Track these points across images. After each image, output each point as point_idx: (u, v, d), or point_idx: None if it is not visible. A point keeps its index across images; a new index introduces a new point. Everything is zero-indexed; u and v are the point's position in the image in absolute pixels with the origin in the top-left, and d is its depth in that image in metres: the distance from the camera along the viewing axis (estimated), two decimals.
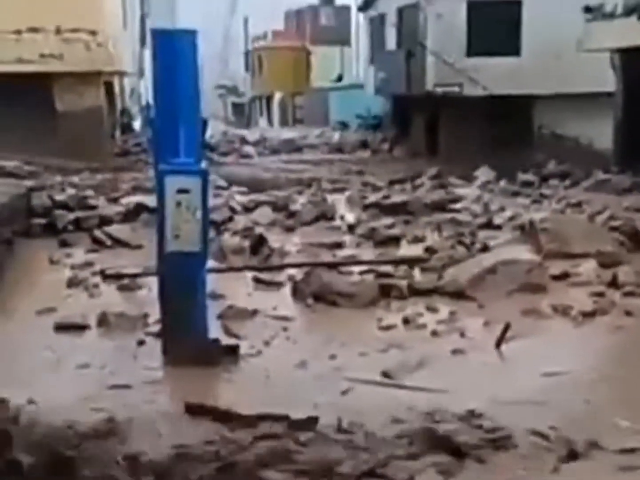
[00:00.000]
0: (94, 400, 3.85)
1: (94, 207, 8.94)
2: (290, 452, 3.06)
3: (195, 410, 3.62)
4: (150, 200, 7.43)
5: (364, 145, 19.01)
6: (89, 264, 6.99)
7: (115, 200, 9.39)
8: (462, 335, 4.96)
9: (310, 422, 3.43)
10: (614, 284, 5.82)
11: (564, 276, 6.03)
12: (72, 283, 6.38)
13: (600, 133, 12.22)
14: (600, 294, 5.64)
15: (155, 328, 5.11)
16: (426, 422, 3.44)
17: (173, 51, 4.62)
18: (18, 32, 16.06)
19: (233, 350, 4.77)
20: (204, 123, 5.46)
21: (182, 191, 4.54)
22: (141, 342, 5.08)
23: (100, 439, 3.15)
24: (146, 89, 21.61)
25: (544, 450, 3.23)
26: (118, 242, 7.80)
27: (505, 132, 13.97)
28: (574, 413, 3.68)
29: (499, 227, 7.45)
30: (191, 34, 4.73)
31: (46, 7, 15.60)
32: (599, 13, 11.84)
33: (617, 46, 11.32)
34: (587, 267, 6.15)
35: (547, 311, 5.37)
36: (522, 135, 13.78)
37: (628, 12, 11.02)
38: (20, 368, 4.43)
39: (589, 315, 5.25)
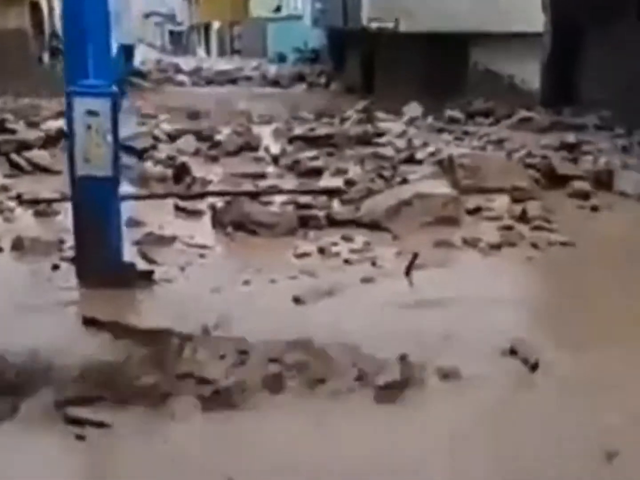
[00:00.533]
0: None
1: (13, 131, 8.70)
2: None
3: (90, 323, 3.73)
4: None
5: (300, 78, 18.83)
6: (5, 188, 6.86)
7: (36, 125, 9.14)
8: (374, 264, 5.10)
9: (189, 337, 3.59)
10: (523, 218, 6.03)
11: (477, 210, 6.21)
12: None
13: (529, 73, 12.40)
14: (510, 228, 5.85)
15: (70, 253, 5.10)
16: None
17: None
18: None
19: (148, 275, 4.81)
20: (130, 48, 5.35)
21: (91, 113, 4.48)
22: (56, 267, 5.06)
23: None
24: None
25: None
26: (37, 167, 7.65)
27: (440, 69, 14.03)
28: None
29: (420, 162, 7.57)
30: None
31: None
32: None
33: None
34: (500, 202, 6.35)
35: (458, 243, 5.55)
36: (456, 73, 13.86)
37: None
38: None
39: (496, 247, 5.45)
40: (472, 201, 6.39)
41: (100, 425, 3.01)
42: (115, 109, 4.51)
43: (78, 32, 4.60)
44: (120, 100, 4.68)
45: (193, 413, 3.14)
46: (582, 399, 3.29)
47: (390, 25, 15.17)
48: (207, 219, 6.09)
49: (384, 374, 3.37)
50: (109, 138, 4.52)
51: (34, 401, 3.17)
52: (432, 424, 3.11)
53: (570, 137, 8.46)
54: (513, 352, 3.64)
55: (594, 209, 6.48)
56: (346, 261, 5.16)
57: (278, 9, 31.26)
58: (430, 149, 8.00)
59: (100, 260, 4.72)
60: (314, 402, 3.27)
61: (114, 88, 4.62)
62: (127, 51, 4.67)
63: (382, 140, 8.71)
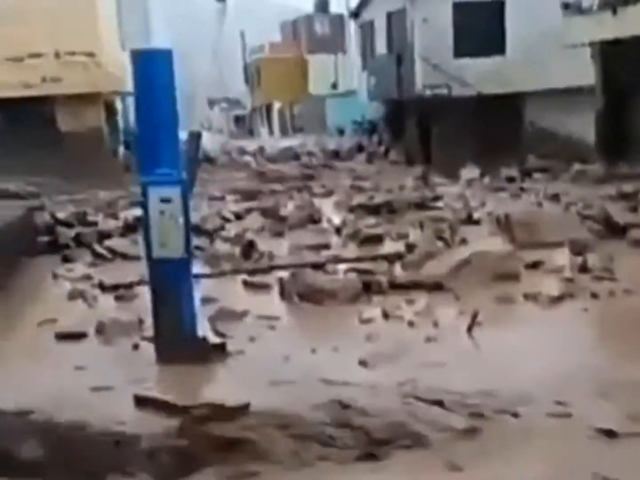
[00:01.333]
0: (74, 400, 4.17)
1: (93, 223, 9.29)
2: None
3: (142, 402, 4.00)
4: None
5: (359, 149, 19.32)
6: (88, 277, 7.32)
7: (114, 216, 9.72)
8: (436, 324, 5.26)
9: (243, 409, 3.77)
10: (583, 269, 6.10)
11: (536, 264, 6.31)
12: (72, 296, 6.70)
13: (585, 126, 12.47)
14: (570, 279, 5.92)
15: (149, 333, 5.42)
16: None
17: (149, 69, 4.95)
18: (20, 59, 16.55)
19: (221, 348, 5.08)
20: (198, 136, 5.79)
21: (164, 200, 4.87)
22: (136, 346, 5.41)
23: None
24: None
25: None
26: (117, 255, 8.12)
27: (495, 129, 14.25)
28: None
29: (478, 222, 7.73)
30: (165, 52, 5.07)
31: (45, 33, 16.06)
32: (576, 8, 12.13)
33: (593, 40, 11.60)
34: (559, 255, 6.43)
35: (519, 298, 5.65)
36: (510, 131, 14.05)
37: (603, 6, 11.30)
38: (22, 372, 4.75)
39: (557, 299, 5.54)
40: (530, 256, 6.50)
41: None
42: (185, 195, 4.89)
43: (150, 125, 5.02)
44: (190, 186, 5.06)
45: None
46: None
47: (444, 91, 15.57)
48: (275, 291, 6.37)
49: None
50: (181, 222, 4.89)
51: None
52: None
53: (628, 187, 8.48)
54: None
55: None
56: (410, 323, 5.33)
57: (335, 85, 32.32)
58: (488, 208, 8.15)
59: (176, 337, 5.03)
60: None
61: (184, 176, 5.02)
62: (196, 138, 5.07)
63: (440, 203, 8.92)
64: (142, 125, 5.17)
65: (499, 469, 3.24)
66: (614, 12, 10.79)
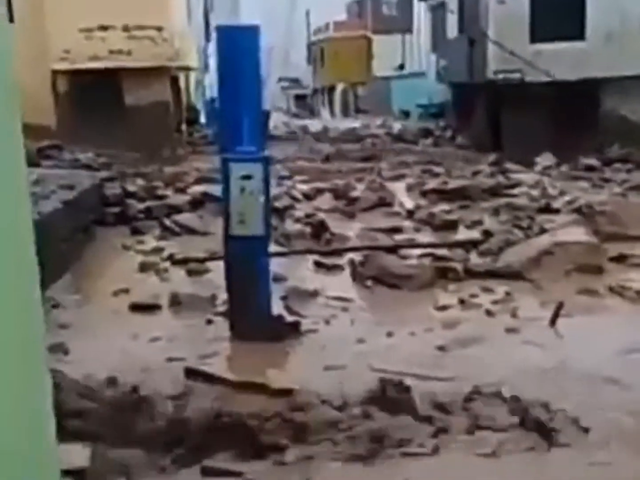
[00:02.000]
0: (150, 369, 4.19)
1: (162, 197, 9.35)
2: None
3: (191, 374, 4.06)
4: (215, 190, 7.75)
5: (426, 134, 19.03)
6: (159, 249, 7.37)
7: (182, 190, 9.78)
8: (517, 314, 5.09)
9: (287, 392, 3.74)
10: None
11: (621, 258, 6.06)
12: (143, 267, 6.75)
13: None
14: None
15: (223, 308, 5.42)
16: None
17: (235, 46, 4.89)
18: (89, 30, 16.77)
19: (295, 327, 5.04)
20: (267, 114, 5.74)
21: (245, 177, 4.83)
22: (209, 321, 5.41)
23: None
24: (210, 84, 22.18)
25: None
26: (186, 230, 8.16)
27: (570, 117, 13.82)
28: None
29: (557, 211, 7.48)
30: (253, 29, 5.00)
31: (114, 7, 16.23)
32: None
33: None
34: None
35: (603, 291, 5.44)
36: (588, 120, 13.60)
37: None
38: (100, 342, 4.79)
39: None
40: (615, 248, 6.25)
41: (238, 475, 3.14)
42: (267, 173, 4.84)
43: (234, 103, 4.98)
44: (270, 164, 5.00)
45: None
46: None
47: (516, 76, 15.15)
48: (346, 273, 6.29)
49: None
50: (262, 199, 4.84)
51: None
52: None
53: None
54: None
55: None
56: (488, 312, 5.18)
57: (401, 66, 31.91)
58: (567, 197, 7.89)
59: (252, 314, 5.01)
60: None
61: (266, 153, 4.96)
62: (265, 116, 5.03)
63: (516, 191, 8.67)
64: (225, 102, 5.14)
65: None
66: None
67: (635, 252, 6.18)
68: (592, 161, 10.54)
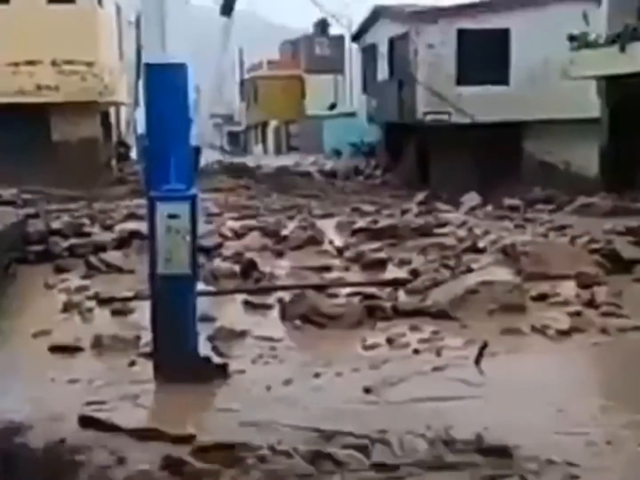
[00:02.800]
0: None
1: (88, 234, 9.15)
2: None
3: (86, 423, 3.97)
4: (143, 227, 7.62)
5: (356, 172, 19.30)
6: (83, 288, 7.18)
7: (109, 228, 9.59)
8: (442, 353, 5.13)
9: (190, 438, 3.72)
10: (591, 303, 6.01)
11: (543, 297, 6.21)
12: (66, 307, 6.55)
13: (587, 159, 12.48)
14: (578, 313, 5.83)
15: (147, 349, 5.28)
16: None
17: (163, 82, 4.85)
18: (16, 64, 16.43)
19: (223, 369, 4.94)
20: (197, 151, 5.69)
21: (172, 216, 4.76)
22: (132, 363, 5.26)
23: None
24: (141, 119, 21.92)
25: None
26: (112, 268, 7.99)
27: (494, 158, 14.25)
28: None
29: (482, 251, 7.65)
30: (181, 66, 4.97)
31: (42, 40, 15.98)
32: (583, 42, 12.18)
33: (600, 74, 11.63)
34: (566, 288, 6.34)
35: (526, 330, 5.55)
36: (511, 161, 14.06)
37: (610, 41, 11.34)
38: (16, 385, 4.60)
39: (565, 333, 5.43)
40: (537, 288, 6.40)
41: None
42: (194, 211, 4.78)
43: (162, 140, 4.93)
44: (198, 203, 4.94)
45: None
46: None
47: (444, 117, 15.59)
48: (275, 312, 6.24)
49: None
50: (188, 238, 4.77)
51: None
52: None
53: (633, 222, 8.44)
54: None
55: None
56: (415, 351, 5.21)
57: (333, 106, 32.36)
58: (492, 237, 8.08)
59: (177, 354, 4.89)
60: None
61: (194, 191, 4.90)
62: (196, 153, 5.00)
63: (443, 230, 8.84)
64: (153, 139, 5.07)
65: None
66: (622, 49, 10.81)
67: (557, 291, 6.35)
68: (515, 202, 10.86)
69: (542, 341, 5.38)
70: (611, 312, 5.85)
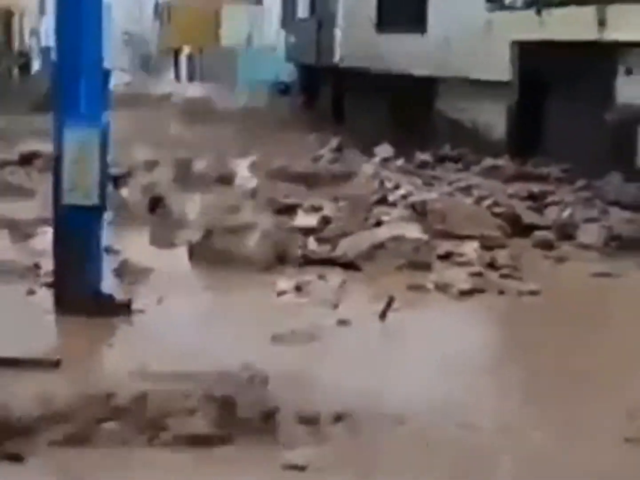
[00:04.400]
0: None
1: None
2: None
3: None
4: (47, 147, 7.28)
5: (271, 111, 19.00)
6: None
7: (11, 144, 9.13)
8: (348, 305, 5.22)
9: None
10: (492, 265, 6.23)
11: (448, 255, 6.39)
12: None
13: (495, 121, 12.73)
14: (480, 274, 6.03)
15: (47, 279, 5.11)
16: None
17: None
18: None
19: (126, 306, 4.85)
20: (107, 74, 5.43)
21: (81, 143, 4.55)
22: (31, 292, 5.09)
23: None
24: (47, 30, 20.71)
25: None
26: (12, 188, 7.64)
27: (407, 110, 14.30)
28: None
29: (393, 204, 7.75)
30: None
31: None
32: (500, 3, 12.28)
33: (515, 38, 11.79)
34: (470, 249, 6.54)
35: (430, 287, 5.71)
36: (423, 115, 14.15)
37: (528, 4, 11.47)
38: None
39: (467, 293, 5.62)
40: (442, 246, 6.57)
41: None
42: (105, 139, 4.60)
43: (72, 60, 4.68)
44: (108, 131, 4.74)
45: None
46: None
47: (361, 64, 15.49)
48: (183, 251, 6.14)
49: None
50: (97, 167, 4.59)
51: None
52: None
53: (536, 187, 8.75)
54: None
55: (559, 259, 6.71)
56: (323, 301, 5.26)
57: (249, 39, 31.56)
58: (402, 191, 8.20)
59: (80, 288, 4.76)
60: None
61: (104, 118, 4.70)
62: (106, 76, 4.73)
63: (355, 181, 8.90)
64: (62, 56, 4.81)
65: None
66: (539, 12, 10.96)
67: (461, 250, 6.53)
68: (427, 157, 11.02)
69: (444, 299, 5.55)
70: (510, 275, 6.09)
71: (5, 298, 4.95)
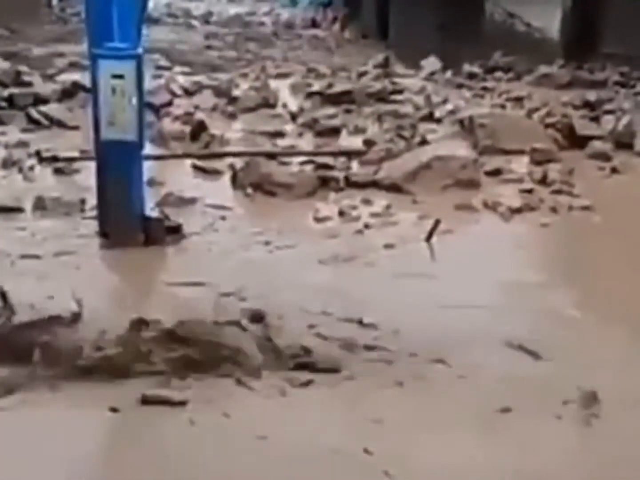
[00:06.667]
0: None
1: (28, 84, 8.64)
2: None
3: None
4: (88, 79, 7.22)
5: (313, 24, 18.52)
6: (24, 144, 6.84)
7: (51, 77, 9.07)
8: (395, 228, 5.12)
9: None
10: (543, 181, 6.02)
11: (497, 172, 6.18)
12: (5, 164, 6.27)
13: (549, 23, 12.12)
14: (530, 191, 5.84)
15: (92, 213, 5.14)
16: None
17: None
18: None
19: (176, 230, 4.85)
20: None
21: (116, 76, 4.46)
22: (77, 227, 5.13)
23: None
24: None
25: None
26: (54, 122, 7.62)
27: (456, 19, 13.71)
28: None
29: (439, 121, 7.50)
30: None
31: None
32: None
33: None
34: (520, 164, 6.32)
35: (479, 206, 5.55)
36: (473, 22, 13.54)
37: None
38: None
39: (516, 211, 5.46)
40: (491, 163, 6.36)
41: None
42: (140, 72, 4.49)
43: None
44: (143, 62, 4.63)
45: None
46: None
47: None
48: (226, 179, 6.09)
49: None
50: (134, 101, 4.51)
51: None
52: None
53: (591, 95, 8.34)
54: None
55: (614, 170, 6.44)
56: (367, 225, 5.18)
57: None
58: (449, 106, 7.92)
59: (125, 220, 4.77)
60: None
61: (140, 50, 4.58)
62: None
63: (401, 97, 8.62)
64: None
65: None
66: None
67: (511, 167, 6.32)
68: (475, 68, 10.59)
69: (493, 218, 5.40)
70: (562, 190, 5.87)
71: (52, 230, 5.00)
